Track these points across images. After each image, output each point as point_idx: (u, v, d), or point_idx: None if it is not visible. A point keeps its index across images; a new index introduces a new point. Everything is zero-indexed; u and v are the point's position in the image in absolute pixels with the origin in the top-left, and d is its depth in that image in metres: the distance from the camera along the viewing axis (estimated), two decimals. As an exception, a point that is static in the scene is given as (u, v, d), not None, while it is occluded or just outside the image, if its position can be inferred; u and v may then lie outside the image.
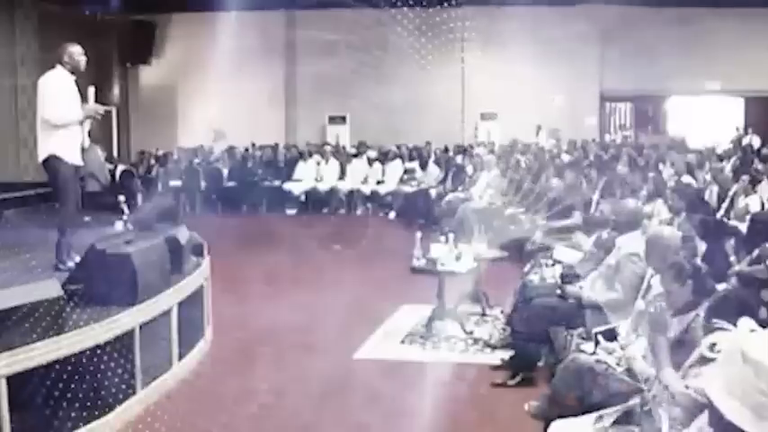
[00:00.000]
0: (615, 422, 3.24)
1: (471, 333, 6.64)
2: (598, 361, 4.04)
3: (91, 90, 6.05)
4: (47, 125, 5.76)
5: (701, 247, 6.20)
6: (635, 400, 3.30)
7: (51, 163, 5.78)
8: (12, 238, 6.56)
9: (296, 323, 6.85)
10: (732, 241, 6.04)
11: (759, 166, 9.93)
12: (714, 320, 2.87)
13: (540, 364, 5.47)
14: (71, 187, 5.88)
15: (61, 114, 5.72)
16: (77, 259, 5.80)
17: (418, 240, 6.96)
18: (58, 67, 5.84)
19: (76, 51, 5.90)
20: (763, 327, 3.37)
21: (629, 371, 3.86)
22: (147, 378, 5.06)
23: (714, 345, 2.05)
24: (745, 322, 2.16)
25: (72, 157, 5.84)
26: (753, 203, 8.18)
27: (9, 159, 14.18)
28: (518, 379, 5.40)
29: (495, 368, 5.70)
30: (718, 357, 1.98)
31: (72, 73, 5.87)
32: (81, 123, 5.94)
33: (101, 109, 6.20)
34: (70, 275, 5.16)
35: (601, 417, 3.23)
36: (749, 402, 1.86)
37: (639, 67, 16.70)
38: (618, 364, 3.95)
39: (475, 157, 13.62)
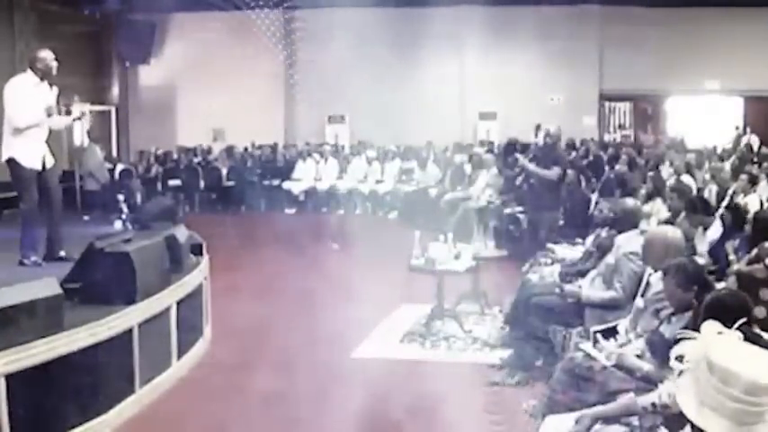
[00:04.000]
0: (606, 420, 3.24)
1: (470, 332, 6.64)
2: (596, 360, 4.04)
3: (54, 93, 6.09)
4: (8, 128, 5.91)
5: (701, 247, 6.22)
6: (629, 397, 3.29)
7: (10, 165, 5.97)
8: (11, 236, 6.56)
9: (295, 322, 6.85)
10: (734, 241, 6.04)
11: (754, 169, 9.92)
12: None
13: (539, 363, 5.47)
14: (29, 188, 6.00)
15: (19, 118, 5.84)
16: (42, 257, 6.04)
17: (417, 239, 6.96)
18: (29, 71, 5.97)
19: (47, 57, 6.00)
20: (762, 327, 3.38)
21: (621, 367, 3.86)
22: (146, 377, 5.06)
23: (682, 356, 2.04)
24: (711, 326, 2.10)
25: (30, 161, 5.97)
26: (752, 202, 8.17)
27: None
28: (516, 378, 5.40)
29: (494, 367, 5.70)
30: (686, 368, 1.99)
31: (42, 78, 5.97)
32: (49, 127, 6.10)
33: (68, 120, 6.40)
34: (69, 274, 5.15)
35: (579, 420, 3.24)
36: (726, 413, 1.85)
37: (639, 67, 16.72)
38: (613, 365, 3.94)
39: (474, 156, 13.62)
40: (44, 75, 5.98)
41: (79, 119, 6.59)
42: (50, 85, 6.06)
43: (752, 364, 1.90)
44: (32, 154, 5.98)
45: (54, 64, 6.02)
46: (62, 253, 6.15)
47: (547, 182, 8.17)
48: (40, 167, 6.03)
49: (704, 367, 1.90)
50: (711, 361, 1.89)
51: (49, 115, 5.98)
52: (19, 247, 6.05)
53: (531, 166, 8.20)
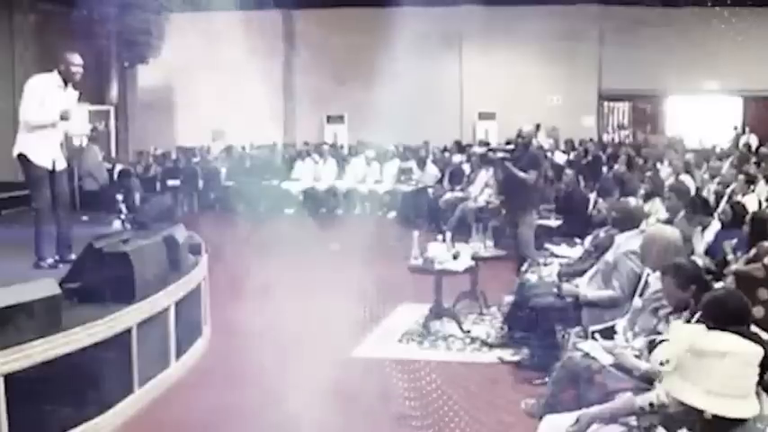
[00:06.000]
0: (604, 419, 3.25)
1: (469, 332, 6.65)
2: (594, 359, 4.04)
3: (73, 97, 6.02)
4: (23, 124, 5.89)
5: (699, 246, 6.23)
6: (627, 396, 3.30)
7: (21, 162, 5.95)
8: (10, 236, 6.57)
9: (294, 322, 6.83)
10: (732, 240, 6.05)
11: (752, 169, 9.92)
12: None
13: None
14: (41, 186, 5.95)
15: (32, 116, 5.81)
16: (56, 257, 5.97)
17: (416, 239, 6.96)
18: (54, 71, 5.91)
19: (71, 60, 5.94)
20: (760, 327, 3.38)
21: (620, 367, 3.86)
22: (145, 377, 5.07)
23: (668, 360, 2.10)
24: (677, 324, 2.21)
25: (41, 159, 5.91)
26: (750, 203, 8.17)
27: (8, 159, 14.13)
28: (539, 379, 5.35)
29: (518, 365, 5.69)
30: (668, 368, 2.04)
31: (65, 81, 5.92)
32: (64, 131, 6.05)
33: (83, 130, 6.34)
34: (68, 274, 5.15)
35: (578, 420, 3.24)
36: (731, 392, 1.90)
37: (638, 67, 16.74)
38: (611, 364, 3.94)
39: (472, 156, 13.62)
40: (66, 77, 5.91)
41: (94, 130, 6.52)
42: (74, 88, 5.99)
43: (732, 341, 1.99)
44: (43, 152, 5.90)
45: (76, 69, 5.94)
46: (72, 256, 6.00)
47: (520, 181, 8.05)
48: (50, 167, 5.96)
49: (688, 356, 1.95)
50: (698, 349, 1.95)
51: (64, 119, 5.89)
52: (34, 249, 5.96)
53: (509, 165, 8.08)
